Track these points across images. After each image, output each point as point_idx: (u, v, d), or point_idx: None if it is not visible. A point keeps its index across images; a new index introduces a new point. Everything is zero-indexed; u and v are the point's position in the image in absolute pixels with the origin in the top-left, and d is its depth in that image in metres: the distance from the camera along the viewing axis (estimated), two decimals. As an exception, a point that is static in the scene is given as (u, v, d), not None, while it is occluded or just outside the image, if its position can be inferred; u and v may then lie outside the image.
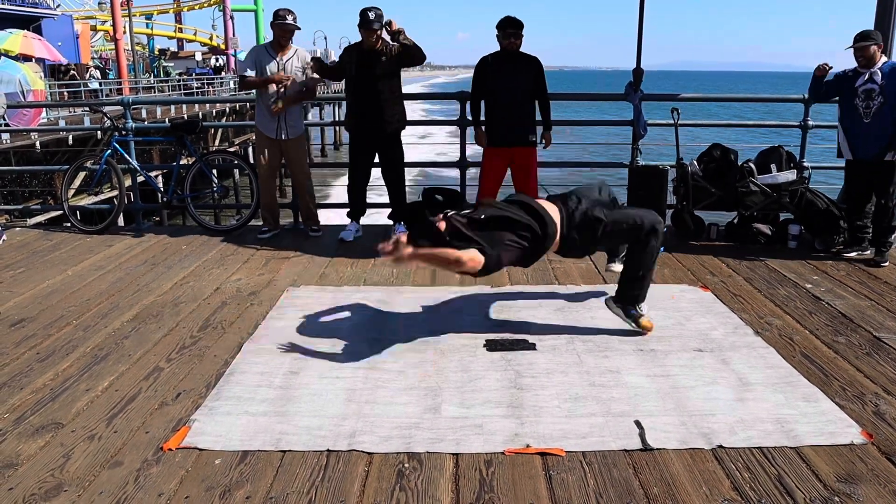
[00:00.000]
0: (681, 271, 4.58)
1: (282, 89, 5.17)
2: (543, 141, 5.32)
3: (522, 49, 5.18)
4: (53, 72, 23.38)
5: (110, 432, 2.59)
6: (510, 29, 5.06)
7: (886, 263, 4.69)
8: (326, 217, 5.98)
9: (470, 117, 5.50)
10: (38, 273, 4.65)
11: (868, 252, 4.86)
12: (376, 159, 5.45)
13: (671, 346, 3.31)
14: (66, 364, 3.19)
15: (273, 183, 5.56)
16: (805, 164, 5.69)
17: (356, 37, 5.22)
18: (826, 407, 2.73)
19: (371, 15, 4.94)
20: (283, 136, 5.30)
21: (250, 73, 5.23)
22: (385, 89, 5.18)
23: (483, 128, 5.32)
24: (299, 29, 5.26)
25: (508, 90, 5.11)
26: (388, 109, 5.21)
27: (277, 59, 5.20)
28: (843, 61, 4.98)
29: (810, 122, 5.80)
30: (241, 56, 40.61)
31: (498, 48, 5.16)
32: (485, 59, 5.22)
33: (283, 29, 5.15)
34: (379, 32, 5.02)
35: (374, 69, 5.11)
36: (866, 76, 4.69)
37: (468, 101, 5.48)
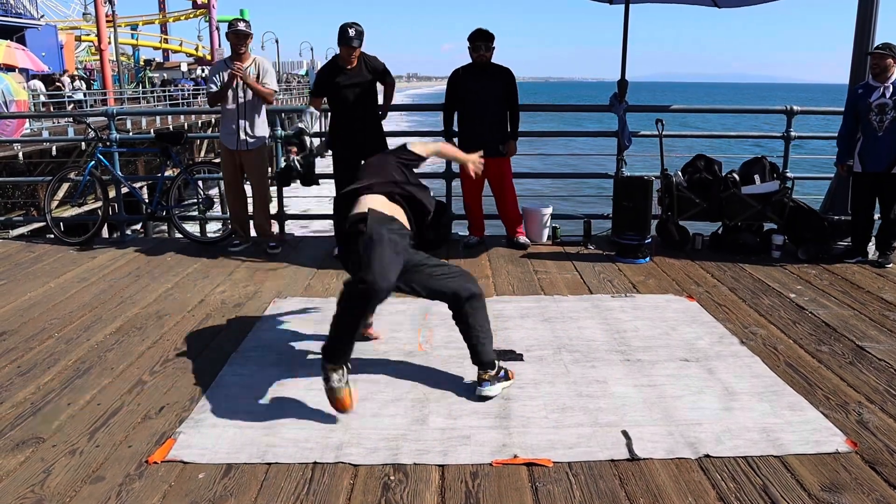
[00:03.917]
0: (666, 281, 4.60)
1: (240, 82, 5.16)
2: (506, 149, 5.28)
3: (497, 61, 5.28)
4: (47, 82, 23.08)
5: (92, 447, 2.55)
6: (479, 41, 5.18)
7: (891, 265, 4.87)
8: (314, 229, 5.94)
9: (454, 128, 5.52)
10: (20, 285, 4.60)
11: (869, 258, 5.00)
12: None
13: (658, 356, 3.32)
14: (48, 377, 3.15)
15: (238, 195, 5.50)
16: (788, 174, 5.75)
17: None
18: (811, 416, 2.75)
19: (351, 32, 4.87)
20: (242, 147, 5.25)
21: (213, 88, 5.25)
22: (375, 102, 5.17)
23: (456, 138, 5.37)
24: (251, 34, 5.26)
25: (478, 102, 5.20)
26: (378, 122, 5.20)
27: (236, 68, 5.16)
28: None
29: (793, 133, 5.87)
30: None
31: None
32: (456, 72, 5.34)
33: (237, 35, 5.15)
34: (357, 52, 4.96)
35: (361, 84, 5.04)
36: (880, 91, 4.79)
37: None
